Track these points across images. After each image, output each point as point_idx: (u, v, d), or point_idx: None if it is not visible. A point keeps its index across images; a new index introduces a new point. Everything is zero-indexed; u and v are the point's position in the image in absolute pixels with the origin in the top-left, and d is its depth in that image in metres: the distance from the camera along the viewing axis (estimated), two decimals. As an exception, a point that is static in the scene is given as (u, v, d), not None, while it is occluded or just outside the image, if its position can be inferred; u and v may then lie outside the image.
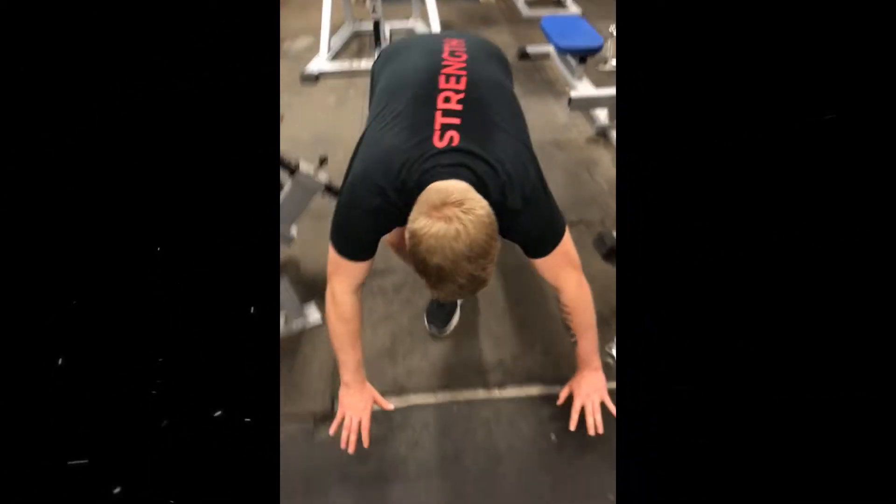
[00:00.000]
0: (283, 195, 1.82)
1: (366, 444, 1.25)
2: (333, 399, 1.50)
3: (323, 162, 1.84)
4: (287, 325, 1.72)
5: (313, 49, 3.49)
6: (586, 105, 2.67)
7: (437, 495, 1.30)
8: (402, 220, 1.05)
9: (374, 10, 3.04)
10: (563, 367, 1.57)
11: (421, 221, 0.95)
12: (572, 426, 1.29)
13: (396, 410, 1.48)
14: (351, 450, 1.24)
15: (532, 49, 3.47)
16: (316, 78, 3.24)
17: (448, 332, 1.68)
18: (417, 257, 0.96)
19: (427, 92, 1.11)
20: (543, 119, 2.83)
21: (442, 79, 1.13)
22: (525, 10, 4.11)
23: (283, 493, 1.30)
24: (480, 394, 1.52)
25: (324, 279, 1.89)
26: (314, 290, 1.84)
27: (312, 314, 1.75)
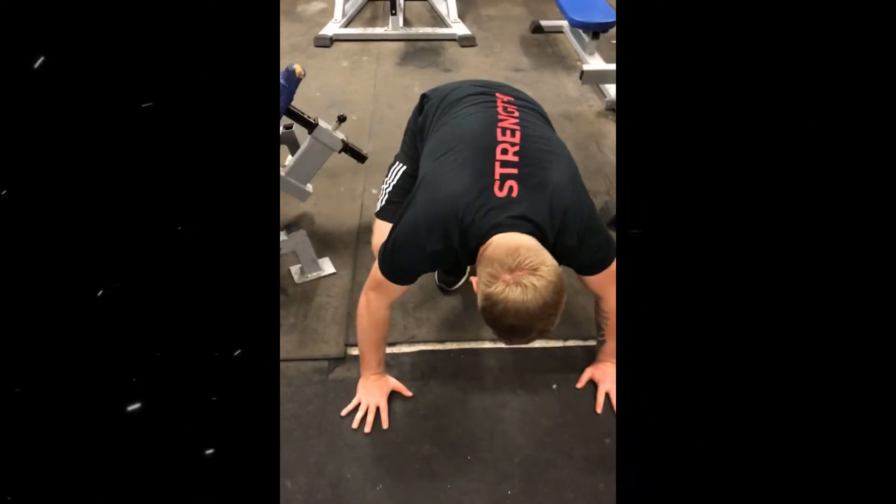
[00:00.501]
0: (300, 152, 1.88)
1: (385, 424, 1.39)
2: (346, 344, 1.58)
3: (342, 120, 1.89)
4: (302, 275, 1.79)
5: (327, 13, 3.51)
6: (598, 79, 2.71)
7: (445, 432, 1.38)
8: (457, 263, 1.18)
9: (391, -24, 3.05)
10: (563, 325, 1.65)
11: (497, 287, 1.02)
12: (598, 409, 1.44)
13: (408, 354, 1.57)
14: (367, 430, 1.38)
15: (546, 23, 3.49)
16: (330, 42, 3.27)
17: (456, 287, 1.75)
18: (493, 316, 1.04)
19: (487, 143, 1.20)
20: (554, 92, 2.87)
21: (499, 132, 1.22)
22: (540, -16, 4.11)
23: (299, 425, 1.39)
24: (487, 345, 1.60)
25: (337, 233, 1.97)
26: (328, 243, 1.91)
27: (327, 266, 1.82)
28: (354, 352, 1.56)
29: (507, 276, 1.02)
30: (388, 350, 1.56)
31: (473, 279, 1.15)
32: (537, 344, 1.60)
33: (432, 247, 1.15)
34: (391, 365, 1.53)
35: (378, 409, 1.40)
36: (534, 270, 1.02)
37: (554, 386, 1.50)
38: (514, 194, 1.13)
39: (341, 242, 1.92)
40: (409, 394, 1.45)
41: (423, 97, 1.51)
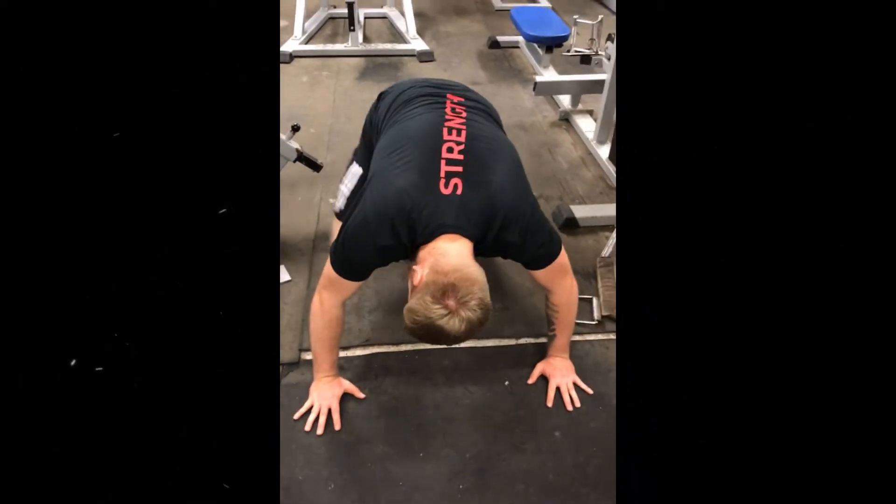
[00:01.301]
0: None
1: (337, 426, 1.39)
2: (300, 349, 1.59)
3: (295, 130, 1.91)
4: (257, 283, 1.79)
5: (288, 31, 3.54)
6: (550, 90, 2.80)
7: (398, 431, 1.39)
8: (405, 256, 1.25)
9: (348, -6, 3.11)
10: (517, 323, 1.68)
11: (439, 310, 1.09)
12: (549, 403, 1.47)
13: (362, 356, 1.58)
14: (319, 431, 1.38)
15: (503, 39, 3.59)
16: (290, 58, 3.30)
17: None
18: (417, 327, 1.11)
19: (433, 143, 1.26)
20: (510, 103, 2.95)
21: (445, 131, 1.28)
22: (497, 2, 4.22)
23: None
24: (440, 345, 1.62)
25: (293, 241, 1.97)
26: (284, 251, 1.91)
27: (283, 274, 1.83)
28: (308, 356, 1.56)
29: (453, 303, 1.09)
30: (342, 353, 1.57)
31: (415, 268, 1.18)
32: (491, 342, 1.63)
33: (382, 241, 1.19)
34: (344, 367, 1.54)
35: (330, 410, 1.40)
36: (474, 310, 1.10)
37: (506, 382, 1.52)
38: (459, 191, 1.18)
39: (297, 250, 1.93)
40: (362, 396, 1.46)
41: (381, 95, 1.57)
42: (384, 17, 3.92)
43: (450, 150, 1.24)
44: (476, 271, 1.15)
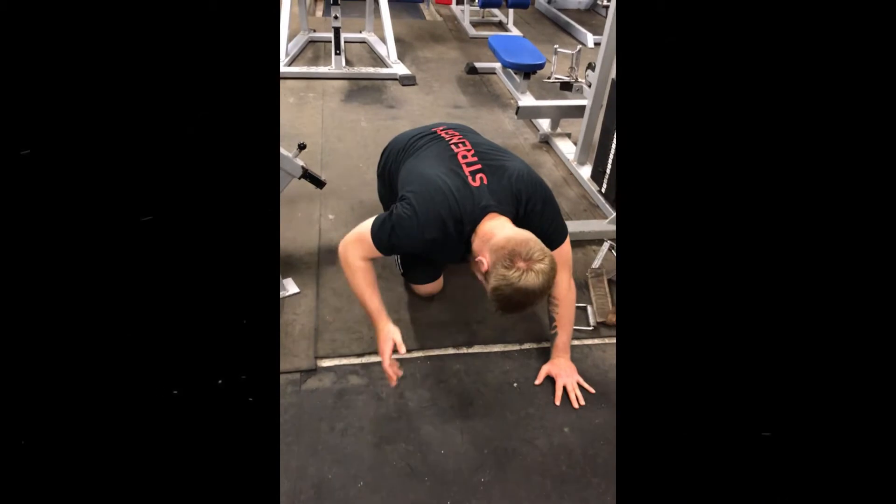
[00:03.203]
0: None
1: (401, 350, 1.40)
2: (316, 357, 1.65)
3: (302, 148, 1.99)
4: (267, 295, 1.84)
5: (271, 53, 3.61)
6: (531, 114, 2.97)
7: (418, 431, 1.47)
8: (450, 250, 1.44)
9: (335, 18, 3.22)
10: (519, 331, 1.80)
11: (515, 272, 1.25)
12: (557, 401, 1.58)
13: (374, 364, 1.65)
14: (392, 382, 1.45)
15: (480, 65, 3.76)
16: (276, 79, 3.37)
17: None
18: (507, 296, 1.26)
19: (448, 156, 1.49)
20: (492, 127, 3.10)
21: (453, 147, 1.53)
22: (471, 31, 4.42)
23: (281, 432, 1.43)
24: (450, 351, 1.71)
25: (298, 255, 2.05)
26: (290, 265, 1.97)
27: (291, 286, 1.89)
28: (325, 364, 1.62)
29: (523, 264, 1.25)
30: (358, 360, 1.64)
31: (480, 259, 1.35)
32: (497, 348, 1.74)
33: (430, 234, 1.36)
34: (360, 374, 1.61)
35: (386, 353, 1.41)
36: (541, 260, 1.26)
37: (515, 384, 1.63)
38: (486, 182, 1.41)
39: (303, 263, 1.99)
40: (404, 350, 1.43)
41: (382, 153, 1.82)
42: (363, 42, 4.05)
43: (464, 157, 1.49)
44: (525, 233, 1.32)
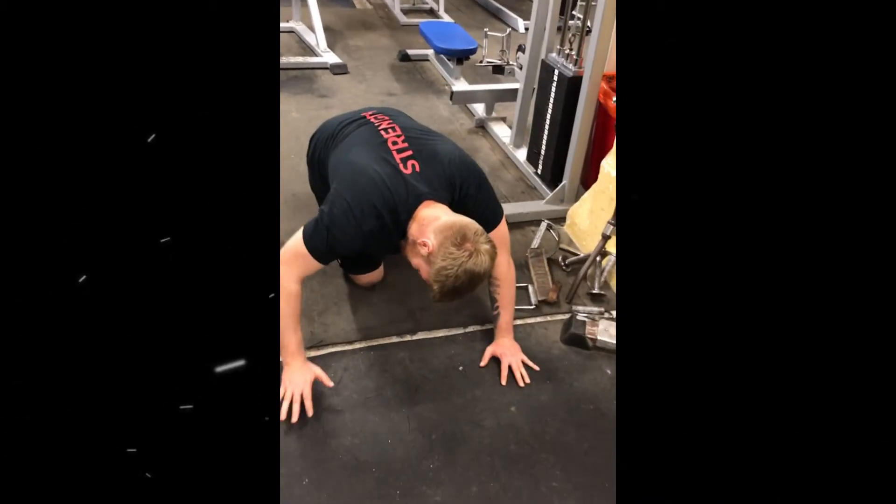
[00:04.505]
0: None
1: (309, 412, 1.39)
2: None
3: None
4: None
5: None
6: (466, 99, 2.96)
7: (363, 422, 1.44)
8: (389, 240, 1.38)
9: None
10: (463, 314, 1.79)
11: (461, 254, 1.25)
12: (503, 381, 1.58)
13: (317, 357, 1.60)
14: (294, 419, 1.36)
15: (412, 52, 3.72)
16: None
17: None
18: (453, 278, 1.25)
19: (378, 142, 1.44)
20: (427, 113, 3.07)
21: (382, 132, 1.47)
22: (402, 18, 4.36)
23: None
24: (393, 339, 1.68)
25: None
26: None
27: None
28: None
29: (470, 245, 1.25)
30: (298, 355, 1.59)
31: (422, 241, 1.32)
32: (441, 333, 1.72)
33: (367, 226, 1.31)
34: (303, 369, 1.56)
35: (302, 397, 1.39)
36: (486, 241, 1.28)
37: (460, 367, 1.62)
38: (418, 169, 1.37)
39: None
40: (331, 384, 1.44)
41: (310, 139, 1.74)
42: (291, 32, 3.92)
43: (394, 143, 1.43)
44: (466, 218, 1.32)
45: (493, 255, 1.28)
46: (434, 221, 1.31)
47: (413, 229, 1.34)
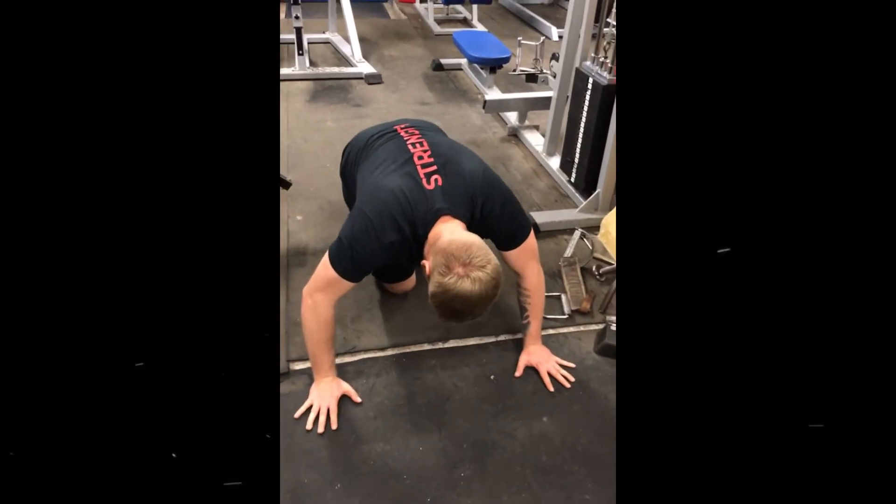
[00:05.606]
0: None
1: (334, 425, 1.42)
2: (288, 360, 1.61)
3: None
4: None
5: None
6: (499, 108, 2.96)
7: (395, 429, 1.44)
8: (410, 254, 1.38)
9: (296, 18, 3.17)
10: (494, 324, 1.78)
11: (451, 278, 1.20)
12: (549, 388, 1.57)
13: (350, 364, 1.62)
14: (320, 430, 1.41)
15: (446, 61, 3.75)
16: (238, 82, 3.30)
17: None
18: (442, 301, 1.22)
19: (404, 157, 1.43)
20: (460, 122, 3.09)
21: (409, 146, 1.46)
22: (436, 28, 4.40)
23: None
24: (425, 346, 1.69)
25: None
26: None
27: (260, 290, 1.84)
28: (297, 367, 1.59)
29: (461, 269, 1.20)
30: (332, 361, 1.61)
31: (425, 263, 1.31)
32: (473, 341, 1.72)
33: (388, 238, 1.31)
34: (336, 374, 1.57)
35: (329, 410, 1.43)
36: (482, 267, 1.21)
37: (492, 377, 1.61)
38: (441, 183, 1.36)
39: (272, 267, 1.94)
40: (359, 400, 1.50)
41: (344, 151, 1.75)
42: (327, 42, 4.00)
43: (420, 157, 1.43)
44: (470, 237, 1.28)
45: (487, 282, 1.21)
46: (437, 241, 1.28)
47: (426, 246, 1.33)
